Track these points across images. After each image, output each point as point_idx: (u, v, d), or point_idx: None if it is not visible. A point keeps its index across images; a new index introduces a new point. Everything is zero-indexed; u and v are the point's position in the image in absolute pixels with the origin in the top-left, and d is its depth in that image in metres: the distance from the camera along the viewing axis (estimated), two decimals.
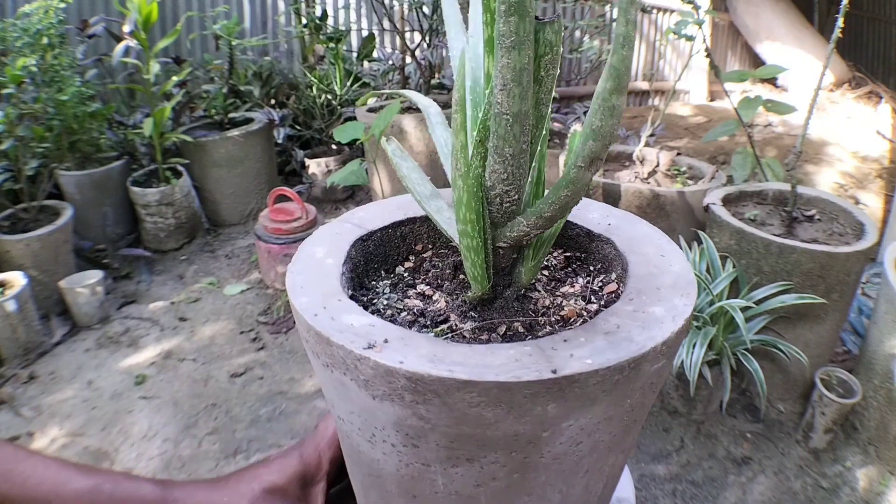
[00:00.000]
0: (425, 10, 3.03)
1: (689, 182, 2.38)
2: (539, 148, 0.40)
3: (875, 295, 2.07)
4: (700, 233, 1.84)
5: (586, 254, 0.52)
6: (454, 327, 0.40)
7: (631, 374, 0.34)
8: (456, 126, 0.33)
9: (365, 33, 3.90)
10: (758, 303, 1.65)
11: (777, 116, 4.31)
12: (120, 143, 2.90)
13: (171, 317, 2.40)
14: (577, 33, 3.52)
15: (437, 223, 0.44)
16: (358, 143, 2.41)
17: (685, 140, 4.14)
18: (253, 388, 2.01)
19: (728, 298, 1.67)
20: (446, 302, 0.43)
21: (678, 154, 2.53)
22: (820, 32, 5.07)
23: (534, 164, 0.40)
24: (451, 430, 0.34)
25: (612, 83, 0.32)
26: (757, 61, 5.43)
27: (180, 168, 2.91)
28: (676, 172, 2.46)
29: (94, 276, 2.34)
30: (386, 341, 0.35)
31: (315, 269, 0.43)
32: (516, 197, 0.38)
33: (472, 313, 0.42)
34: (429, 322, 0.41)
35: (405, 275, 0.49)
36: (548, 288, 0.47)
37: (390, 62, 3.42)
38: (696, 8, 2.04)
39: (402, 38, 3.06)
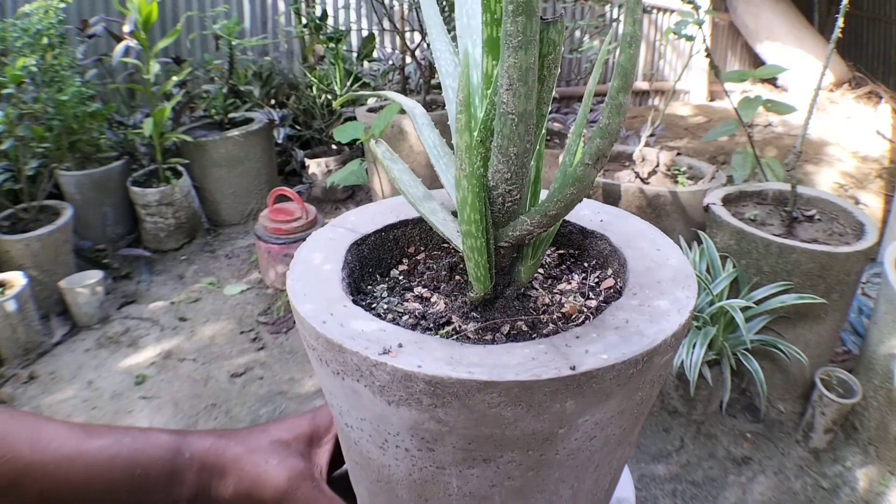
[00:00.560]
0: None
1: (689, 182, 2.38)
2: (538, 147, 0.40)
3: (875, 295, 2.07)
4: (700, 233, 1.84)
5: (580, 251, 0.52)
6: (458, 329, 0.40)
7: (643, 367, 0.35)
8: (461, 126, 0.33)
9: (365, 33, 3.90)
10: (758, 303, 1.65)
11: (777, 116, 4.31)
12: (120, 143, 2.90)
13: (171, 317, 2.40)
14: (577, 33, 3.52)
15: (433, 225, 0.43)
16: (358, 143, 2.41)
17: (685, 140, 4.14)
18: (253, 388, 2.01)
19: (728, 298, 1.67)
20: (445, 304, 0.43)
21: (678, 154, 2.53)
22: (820, 32, 5.07)
23: (531, 162, 0.40)
24: (468, 432, 0.34)
25: (619, 81, 0.32)
26: (757, 61, 5.43)
27: (180, 168, 2.91)
28: (676, 172, 2.46)
29: (94, 276, 2.34)
30: (400, 346, 0.34)
31: (314, 275, 0.43)
32: (518, 196, 0.38)
33: (474, 314, 0.42)
34: (431, 325, 0.41)
35: (400, 278, 0.48)
36: (545, 286, 0.47)
37: (390, 62, 3.42)
38: (696, 8, 2.04)
39: (402, 38, 3.06)
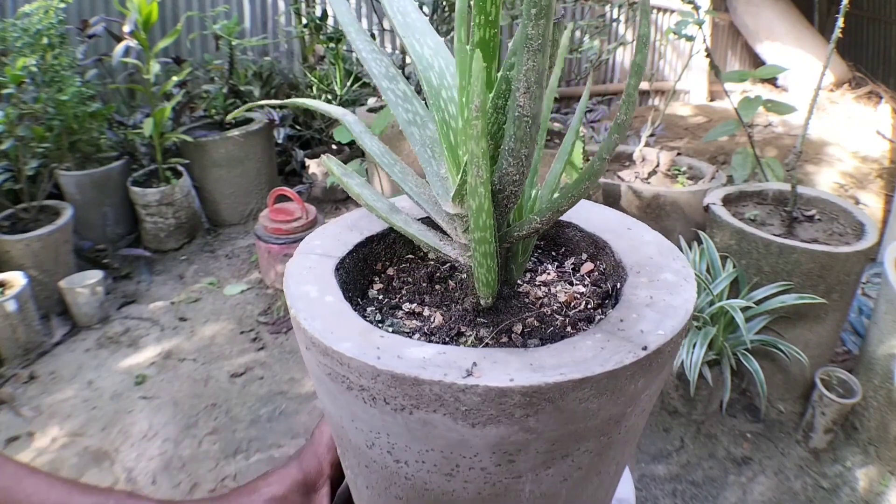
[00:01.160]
0: (425, 10, 3.03)
1: (689, 182, 2.38)
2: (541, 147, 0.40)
3: (875, 295, 2.07)
4: (700, 233, 1.84)
5: (545, 241, 0.52)
6: (479, 336, 0.40)
7: (683, 335, 0.37)
8: (477, 133, 0.32)
9: None
10: (758, 303, 1.65)
11: (777, 116, 4.31)
12: (120, 143, 2.90)
13: (171, 317, 2.40)
14: (578, 33, 3.52)
15: (412, 237, 0.42)
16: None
17: (685, 140, 4.14)
18: (253, 388, 2.01)
19: (728, 298, 1.67)
20: (443, 315, 0.42)
21: (678, 154, 2.53)
22: (820, 32, 5.06)
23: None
24: (554, 433, 0.34)
25: (636, 79, 0.32)
26: (757, 61, 5.43)
27: (180, 168, 2.91)
28: (676, 172, 2.46)
29: (94, 276, 2.34)
30: (475, 364, 0.33)
31: (323, 309, 0.40)
32: (517, 198, 0.39)
33: (481, 319, 0.41)
34: (446, 339, 0.40)
35: (381, 298, 0.46)
36: (525, 280, 0.47)
37: None
38: (696, 8, 2.04)
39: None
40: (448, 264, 0.49)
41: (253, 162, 3.12)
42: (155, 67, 2.68)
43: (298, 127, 3.58)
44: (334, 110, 0.46)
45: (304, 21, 3.44)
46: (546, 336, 0.40)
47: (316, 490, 0.49)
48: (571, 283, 0.47)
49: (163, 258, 2.83)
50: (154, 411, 1.91)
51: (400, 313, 0.44)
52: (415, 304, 0.44)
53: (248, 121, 3.19)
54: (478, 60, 0.32)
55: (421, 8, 2.99)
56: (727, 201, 1.91)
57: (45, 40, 2.31)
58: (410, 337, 0.41)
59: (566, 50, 0.43)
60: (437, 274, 0.48)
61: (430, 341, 0.40)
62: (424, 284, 0.46)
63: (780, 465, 1.69)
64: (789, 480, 1.64)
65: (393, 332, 0.41)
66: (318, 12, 3.48)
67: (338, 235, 0.49)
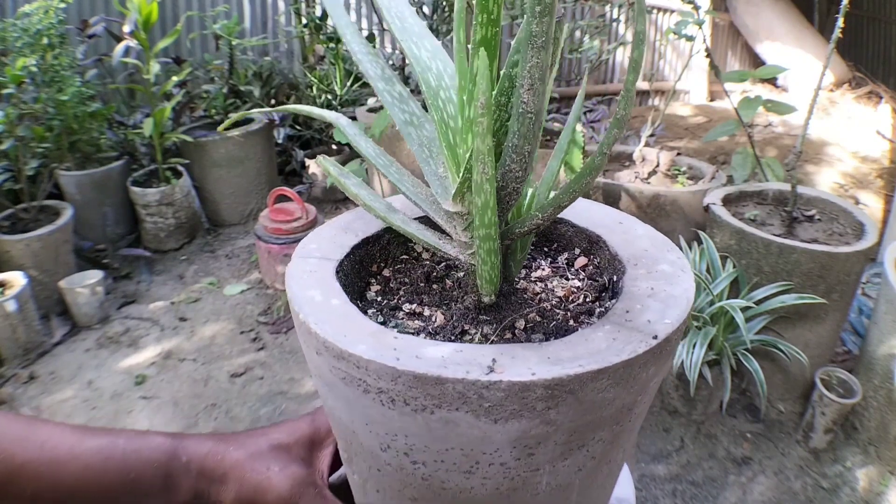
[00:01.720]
0: (425, 9, 3.03)
1: (689, 182, 2.38)
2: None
3: (875, 295, 2.07)
4: (700, 233, 1.84)
5: (537, 237, 0.53)
6: (483, 334, 0.40)
7: (686, 324, 0.38)
8: (482, 130, 0.32)
9: (365, 33, 3.90)
10: (758, 303, 1.65)
11: (777, 116, 4.31)
12: (120, 143, 2.90)
13: (171, 317, 2.40)
14: (577, 33, 3.52)
15: (411, 235, 0.42)
16: None
17: (685, 140, 4.14)
18: (253, 388, 2.01)
19: (728, 298, 1.67)
20: (444, 314, 0.42)
21: (678, 154, 2.53)
22: (820, 32, 5.07)
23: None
24: (573, 424, 0.34)
25: (634, 75, 0.33)
26: (757, 61, 5.43)
27: (180, 168, 2.91)
28: (676, 172, 2.46)
29: (94, 276, 2.34)
30: (494, 360, 0.33)
31: (331, 313, 0.39)
32: (519, 194, 0.39)
33: (483, 316, 0.41)
34: (451, 337, 0.40)
35: (380, 299, 0.46)
36: (521, 276, 0.48)
37: (390, 62, 3.41)
38: (696, 8, 2.04)
39: None
40: (444, 263, 0.49)
41: (253, 162, 3.12)
42: (155, 67, 2.69)
43: (298, 127, 3.58)
44: (327, 115, 0.46)
45: (304, 21, 3.44)
46: (549, 331, 0.40)
47: (321, 448, 0.50)
48: (567, 278, 0.47)
49: (163, 258, 2.83)
50: (154, 411, 1.91)
51: (401, 314, 0.44)
52: (414, 305, 0.44)
53: (249, 121, 3.19)
54: (482, 58, 0.32)
55: (421, 8, 2.99)
56: (727, 201, 1.91)
57: (45, 40, 2.31)
58: (417, 337, 0.40)
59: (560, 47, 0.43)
60: (434, 273, 0.48)
61: (436, 340, 0.40)
62: (422, 284, 0.46)
63: (780, 465, 1.69)
64: (789, 480, 1.64)
65: (399, 332, 0.40)
66: (318, 12, 3.48)
67: (333, 238, 0.49)
